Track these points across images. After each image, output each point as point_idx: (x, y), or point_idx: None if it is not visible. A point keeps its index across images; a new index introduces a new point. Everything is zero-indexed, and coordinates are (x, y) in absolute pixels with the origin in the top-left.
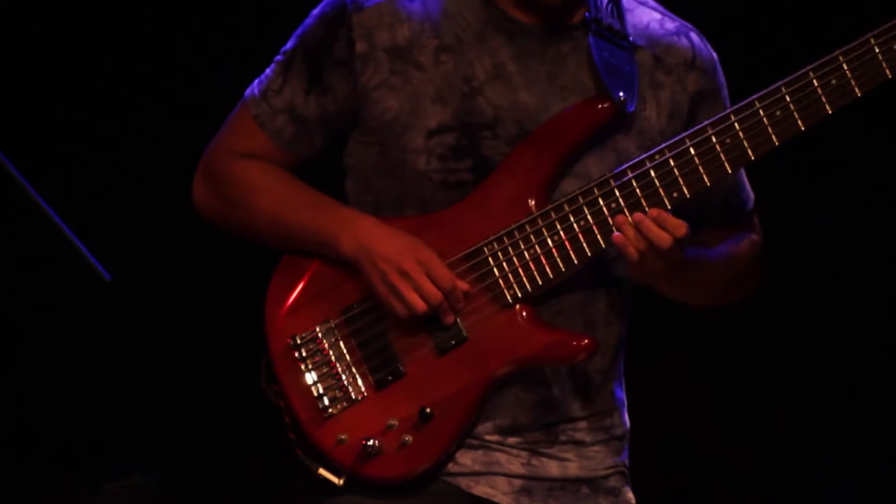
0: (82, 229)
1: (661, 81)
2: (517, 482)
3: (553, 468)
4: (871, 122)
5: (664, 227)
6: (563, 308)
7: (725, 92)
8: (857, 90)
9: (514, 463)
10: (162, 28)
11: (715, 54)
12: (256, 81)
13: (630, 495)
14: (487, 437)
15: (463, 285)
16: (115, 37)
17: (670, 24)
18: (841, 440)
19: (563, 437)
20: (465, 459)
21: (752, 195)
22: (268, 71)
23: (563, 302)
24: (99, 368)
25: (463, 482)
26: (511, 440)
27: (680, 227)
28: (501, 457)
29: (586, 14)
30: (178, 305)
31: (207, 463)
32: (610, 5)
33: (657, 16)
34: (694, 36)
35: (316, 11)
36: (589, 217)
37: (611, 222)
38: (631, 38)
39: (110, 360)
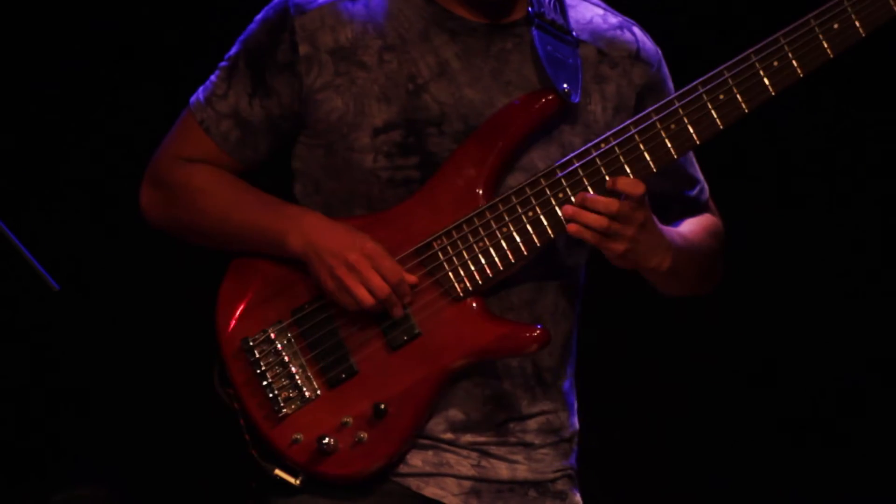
0: (31, 239)
1: (606, 75)
2: (466, 483)
3: (502, 470)
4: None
5: (620, 192)
6: (513, 304)
7: (670, 84)
8: (799, 71)
9: (463, 464)
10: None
11: (658, 48)
12: (201, 87)
13: (578, 498)
14: (439, 436)
15: (410, 278)
16: (64, 40)
17: (613, 19)
18: (793, 439)
19: (512, 439)
20: (416, 460)
21: (705, 184)
22: (212, 77)
23: (513, 298)
24: (47, 377)
25: (413, 483)
26: (462, 440)
27: (637, 185)
28: (451, 458)
29: (529, 9)
30: (129, 312)
31: (159, 472)
32: (552, 1)
33: (600, 11)
34: (637, 30)
35: (259, 16)
36: (537, 208)
37: (559, 212)
38: (574, 34)
39: (58, 368)
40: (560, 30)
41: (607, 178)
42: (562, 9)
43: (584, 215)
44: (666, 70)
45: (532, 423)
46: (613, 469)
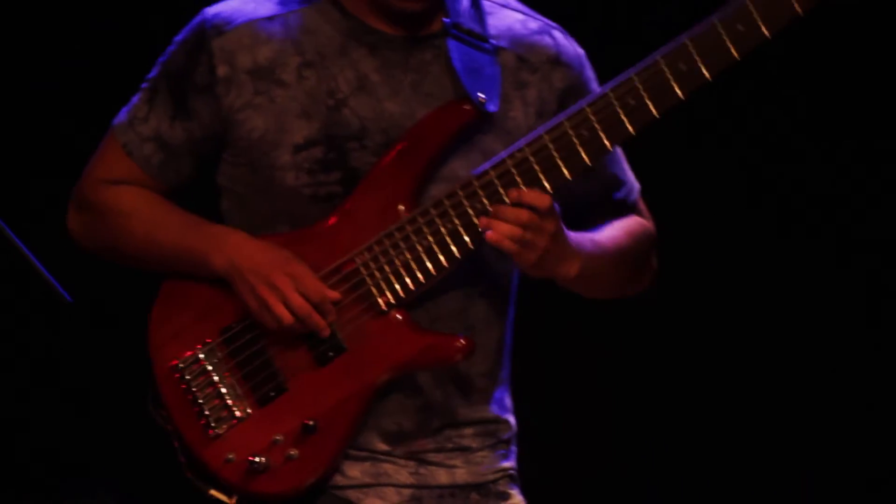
0: (44, 251)
1: (526, 81)
2: (406, 492)
3: (441, 476)
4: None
5: (526, 205)
6: (441, 314)
7: (596, 86)
8: (706, 73)
9: (401, 473)
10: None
11: (581, 50)
12: (124, 109)
13: (520, 498)
14: (375, 447)
15: (333, 295)
16: (70, 51)
17: (533, 24)
18: (730, 437)
19: (449, 444)
20: (354, 472)
21: (636, 185)
22: (134, 99)
23: (441, 308)
24: (60, 389)
25: (352, 495)
26: (398, 450)
27: (542, 198)
28: (389, 467)
29: (445, 20)
30: (140, 326)
31: (167, 482)
32: (471, 10)
33: (520, 16)
34: (557, 34)
35: (177, 38)
36: (455, 219)
37: (476, 223)
38: (493, 41)
39: (71, 380)
40: (478, 38)
41: (524, 187)
42: (480, 17)
43: (498, 225)
44: (590, 73)
45: (468, 430)
46: (556, 468)
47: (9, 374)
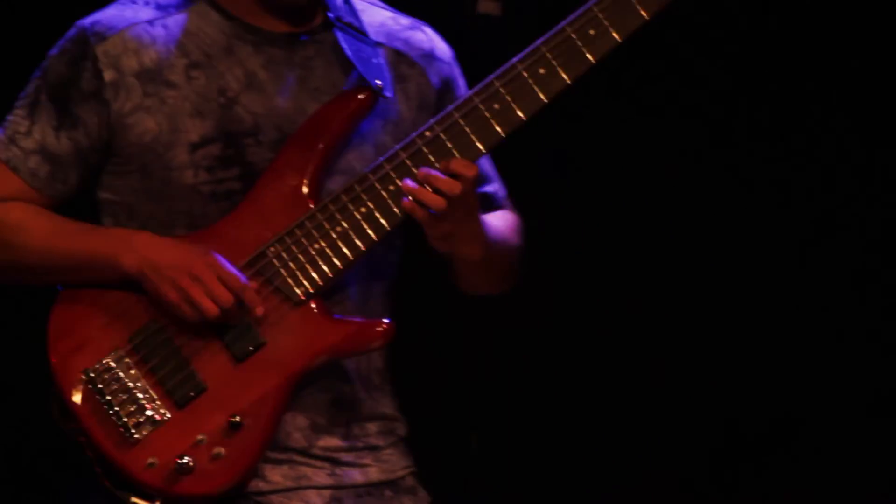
0: None
1: (406, 74)
2: (326, 493)
3: (356, 475)
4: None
5: (453, 174)
6: (347, 308)
7: (463, 82)
8: (590, 57)
9: (319, 475)
10: None
11: (450, 47)
12: (0, 128)
13: (425, 493)
14: (291, 445)
15: (252, 285)
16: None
17: (404, 20)
18: (622, 435)
19: (359, 444)
20: (275, 476)
21: (503, 185)
22: (10, 116)
23: (346, 303)
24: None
25: (276, 500)
26: (314, 448)
27: (468, 166)
28: (308, 470)
29: (328, 14)
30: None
31: None
32: (345, 6)
33: (389, 14)
34: (428, 29)
35: (53, 51)
36: (369, 203)
37: (392, 205)
38: (371, 36)
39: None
40: (359, 31)
41: (437, 161)
42: (354, 13)
43: (425, 193)
44: (459, 68)
45: (372, 427)
46: (451, 464)
47: (7, 373)
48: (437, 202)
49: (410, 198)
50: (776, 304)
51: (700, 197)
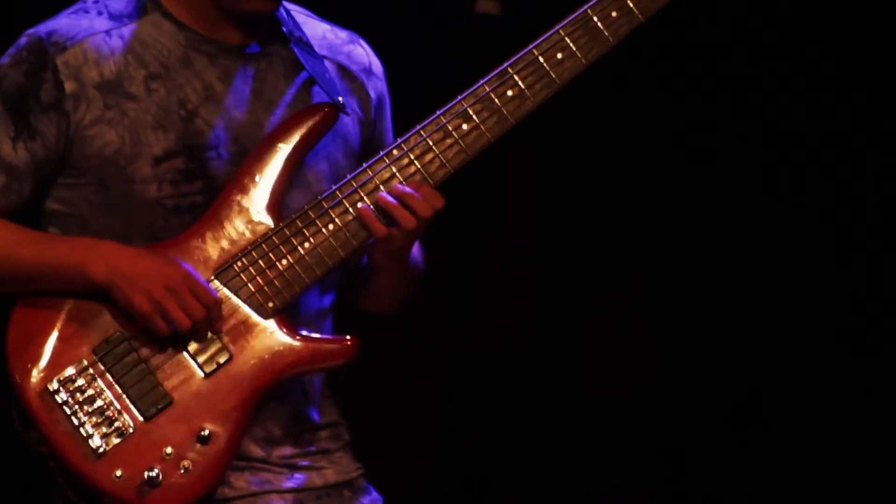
0: None
1: (349, 89)
2: (289, 496)
3: (315, 478)
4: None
5: (426, 198)
6: (310, 319)
7: (390, 100)
8: (555, 81)
9: (281, 479)
10: None
11: (381, 62)
12: None
13: (377, 493)
14: (250, 454)
15: (221, 298)
16: None
17: (342, 34)
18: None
19: (312, 448)
20: (240, 482)
21: None
22: None
23: (309, 311)
24: None
25: None
26: (272, 457)
27: (438, 197)
28: (269, 475)
29: (283, 28)
30: None
31: None
32: (290, 19)
33: (327, 27)
34: (364, 43)
35: (6, 61)
36: (337, 220)
37: (360, 221)
38: (315, 50)
39: None
40: (308, 46)
41: (405, 181)
42: (298, 27)
43: (399, 210)
44: (386, 85)
45: (323, 433)
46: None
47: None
48: (409, 221)
49: (374, 213)
50: (768, 303)
51: (696, 193)
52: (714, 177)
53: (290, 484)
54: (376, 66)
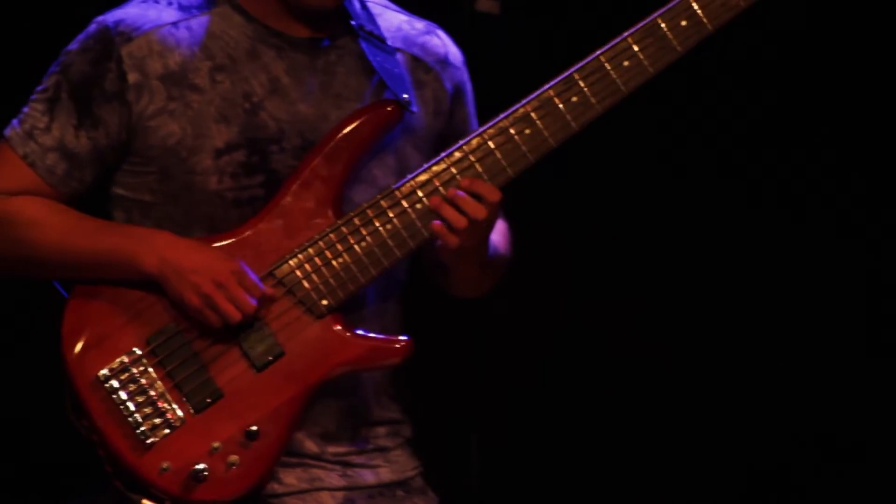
0: None
1: (423, 80)
2: (339, 494)
3: (368, 476)
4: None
5: (478, 196)
6: (363, 318)
7: (471, 88)
8: (650, 68)
9: (332, 476)
10: None
11: (461, 51)
12: (16, 120)
13: (433, 493)
14: (303, 450)
15: (272, 292)
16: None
17: (419, 24)
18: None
19: (369, 446)
20: (290, 478)
21: None
22: (26, 109)
23: (363, 312)
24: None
25: (290, 502)
26: (325, 453)
27: (494, 192)
28: (321, 472)
29: (352, 22)
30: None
31: None
32: (364, 12)
33: (404, 17)
34: (442, 34)
35: (75, 47)
36: (395, 220)
37: (417, 223)
38: (389, 42)
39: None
40: (379, 39)
41: (460, 178)
42: (372, 19)
43: (450, 212)
44: (468, 74)
45: (381, 430)
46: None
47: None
48: (460, 222)
49: (432, 217)
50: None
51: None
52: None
53: (341, 482)
54: (454, 56)
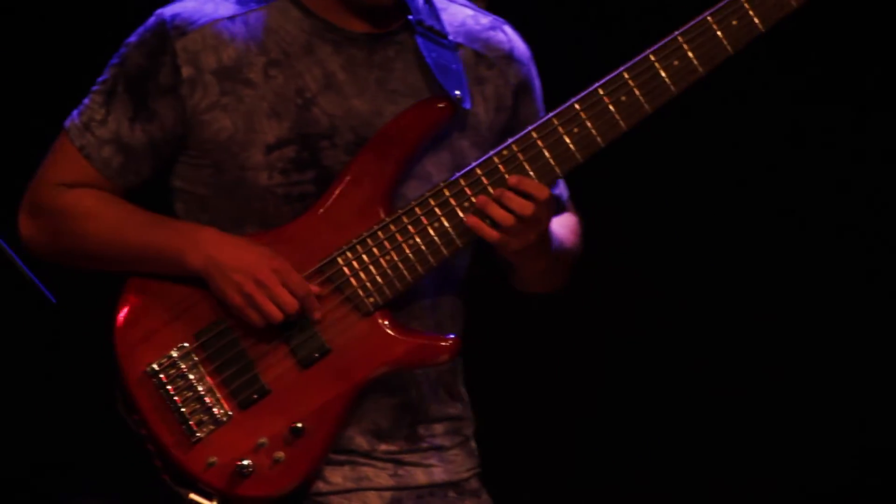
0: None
1: (484, 76)
2: (387, 494)
3: (420, 475)
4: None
5: (526, 195)
6: (415, 313)
7: (538, 83)
8: (699, 68)
9: (381, 476)
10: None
11: (528, 47)
12: (76, 112)
13: (487, 495)
14: (354, 448)
15: (316, 290)
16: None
17: (484, 19)
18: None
19: (424, 444)
20: (336, 477)
21: (566, 185)
22: (86, 101)
23: (414, 307)
24: (47, 391)
25: (335, 500)
26: (377, 451)
27: (542, 189)
28: (369, 471)
29: (409, 17)
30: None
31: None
32: (426, 6)
33: (470, 12)
34: (508, 29)
35: (132, 40)
36: (442, 219)
37: (465, 222)
38: (451, 37)
39: (59, 382)
40: (438, 35)
41: (508, 177)
42: (435, 13)
43: (496, 210)
44: (535, 70)
45: (439, 427)
46: (516, 466)
47: None
48: (507, 219)
49: (477, 217)
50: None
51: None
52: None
53: (390, 481)
54: (519, 51)
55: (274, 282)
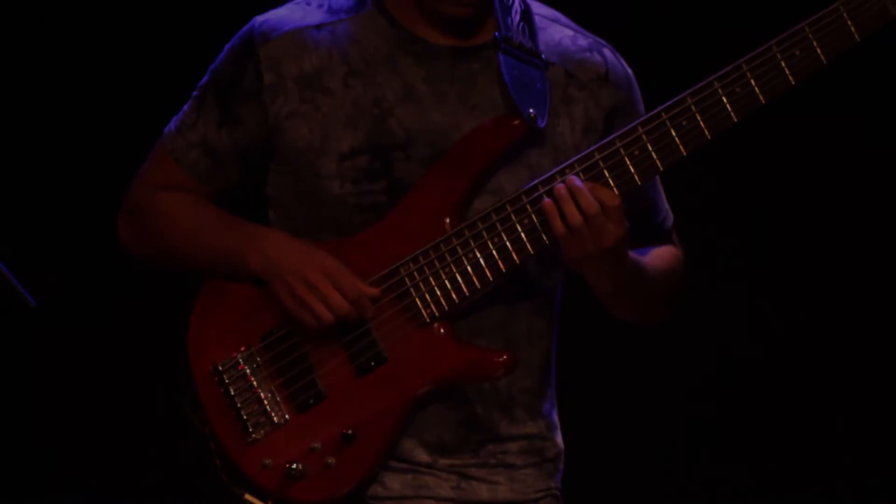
0: (8, 254)
1: (574, 97)
2: None
3: (483, 491)
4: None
5: (596, 196)
6: (483, 328)
7: (642, 107)
8: (761, 97)
9: (443, 487)
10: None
11: (630, 70)
12: (175, 117)
13: None
14: (416, 458)
15: (371, 291)
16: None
17: (583, 41)
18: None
19: (492, 461)
20: (394, 484)
21: (670, 213)
22: (185, 106)
23: (482, 322)
24: (27, 395)
25: None
26: (440, 462)
27: (613, 196)
28: (431, 480)
29: (496, 33)
30: (108, 330)
31: (146, 489)
32: (521, 24)
33: (570, 33)
34: (607, 52)
35: (227, 45)
36: (503, 234)
37: (524, 238)
38: (543, 56)
39: (39, 385)
40: (528, 53)
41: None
42: (531, 31)
43: (566, 202)
44: (638, 93)
45: (513, 445)
46: (602, 486)
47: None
48: (575, 217)
49: (553, 204)
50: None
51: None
52: None
53: (451, 493)
54: (616, 75)
55: (324, 283)
